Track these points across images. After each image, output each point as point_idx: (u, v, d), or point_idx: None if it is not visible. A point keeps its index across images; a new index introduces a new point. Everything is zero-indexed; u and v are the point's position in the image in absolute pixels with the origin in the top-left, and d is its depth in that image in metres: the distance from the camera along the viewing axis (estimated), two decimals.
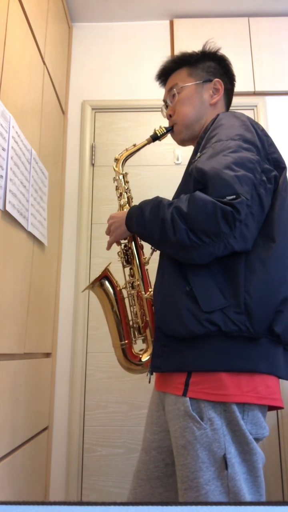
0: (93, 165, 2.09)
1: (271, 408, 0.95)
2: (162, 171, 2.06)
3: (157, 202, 0.97)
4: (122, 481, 1.76)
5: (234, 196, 0.86)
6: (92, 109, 2.15)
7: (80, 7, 2.16)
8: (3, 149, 1.21)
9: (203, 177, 0.91)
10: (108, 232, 1.16)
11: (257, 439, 0.90)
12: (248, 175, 0.89)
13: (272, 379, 0.92)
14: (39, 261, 1.60)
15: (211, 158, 0.93)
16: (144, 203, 1.01)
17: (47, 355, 1.79)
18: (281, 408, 0.94)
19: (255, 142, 0.97)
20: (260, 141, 0.98)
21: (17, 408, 1.33)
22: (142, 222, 0.99)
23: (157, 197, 1.00)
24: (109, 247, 1.18)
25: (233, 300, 0.89)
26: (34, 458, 1.53)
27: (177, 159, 2.07)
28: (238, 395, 0.88)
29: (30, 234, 1.47)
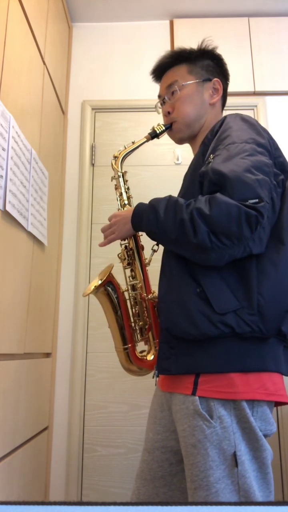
0: (93, 165, 2.09)
1: (277, 404, 0.96)
2: (162, 171, 2.06)
3: (173, 201, 0.96)
4: (122, 481, 1.76)
5: (257, 200, 0.86)
6: (92, 109, 2.15)
7: (80, 7, 2.16)
8: (3, 149, 1.21)
9: (221, 180, 0.90)
10: (106, 229, 1.13)
11: (265, 435, 0.90)
12: (266, 179, 0.90)
13: (277, 376, 0.93)
14: (39, 261, 1.60)
15: (227, 160, 0.92)
16: (156, 202, 0.98)
17: (47, 355, 1.79)
18: (286, 403, 0.96)
19: (267, 146, 0.97)
20: (269, 145, 0.99)
21: (17, 408, 1.33)
22: (155, 220, 0.96)
23: (171, 196, 0.98)
24: (106, 244, 1.14)
25: (246, 302, 0.89)
26: (34, 458, 1.53)
27: (177, 159, 2.07)
28: (248, 392, 0.88)
29: (30, 234, 1.47)
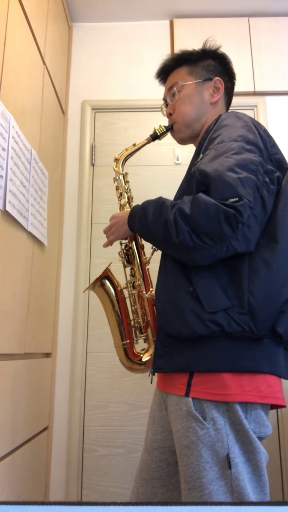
0: (93, 165, 2.09)
1: (273, 406, 0.95)
2: (162, 171, 2.06)
3: (160, 203, 0.97)
4: (122, 481, 1.76)
5: (237, 199, 0.86)
6: (92, 109, 2.15)
7: (80, 7, 2.16)
8: (3, 149, 1.21)
9: (205, 179, 0.91)
10: (107, 231, 1.16)
11: (260, 438, 0.90)
12: (250, 177, 0.89)
13: (273, 378, 0.92)
14: (39, 261, 1.60)
15: (213, 160, 0.93)
16: (147, 204, 1.01)
17: (47, 355, 1.79)
18: (283, 406, 0.94)
19: (257, 143, 0.96)
20: (262, 142, 0.98)
21: (17, 408, 1.33)
22: (145, 222, 0.99)
23: (160, 198, 0.99)
24: (107, 245, 1.18)
25: (237, 300, 0.89)
26: (34, 458, 1.53)
27: (177, 159, 2.07)
28: (241, 395, 0.88)
29: (30, 234, 1.47)
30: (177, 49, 2.12)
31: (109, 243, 1.17)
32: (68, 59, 2.19)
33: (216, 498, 0.84)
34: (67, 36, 2.18)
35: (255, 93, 2.14)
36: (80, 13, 2.20)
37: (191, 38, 2.14)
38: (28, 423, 1.45)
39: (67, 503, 0.43)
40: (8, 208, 1.22)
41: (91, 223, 2.01)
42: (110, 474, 1.77)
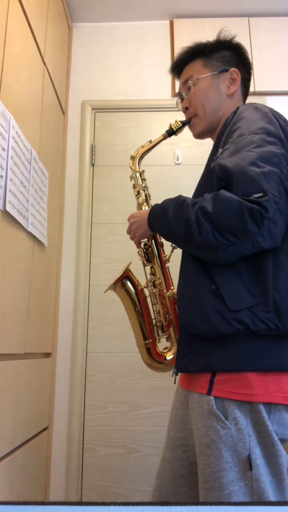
0: (93, 165, 2.09)
1: None
2: (162, 171, 2.06)
3: (181, 201, 0.94)
4: (122, 481, 1.76)
5: (261, 194, 0.82)
6: (92, 109, 2.15)
7: (80, 7, 2.16)
8: (3, 149, 1.21)
9: (226, 175, 0.88)
10: (129, 231, 1.14)
11: (282, 440, 0.87)
12: (274, 170, 0.86)
13: None
14: (39, 261, 1.60)
15: (234, 154, 0.90)
16: (167, 202, 0.98)
17: (47, 355, 1.79)
18: None
19: (279, 135, 0.93)
20: (284, 133, 0.95)
21: (17, 408, 1.33)
22: (166, 222, 0.96)
23: (180, 196, 0.97)
24: (138, 246, 1.17)
25: (261, 298, 0.87)
26: (34, 458, 1.53)
27: (177, 159, 2.07)
28: (265, 395, 0.86)
29: (30, 234, 1.47)
30: (177, 49, 2.11)
31: (137, 245, 1.16)
32: (68, 59, 2.19)
33: (236, 499, 0.83)
34: (67, 36, 2.18)
35: (255, 93, 2.14)
36: (80, 13, 2.20)
37: (191, 38, 2.12)
38: (28, 423, 1.45)
39: (67, 503, 0.43)
40: (8, 208, 1.22)
41: (91, 223, 2.01)
42: (110, 474, 1.77)
